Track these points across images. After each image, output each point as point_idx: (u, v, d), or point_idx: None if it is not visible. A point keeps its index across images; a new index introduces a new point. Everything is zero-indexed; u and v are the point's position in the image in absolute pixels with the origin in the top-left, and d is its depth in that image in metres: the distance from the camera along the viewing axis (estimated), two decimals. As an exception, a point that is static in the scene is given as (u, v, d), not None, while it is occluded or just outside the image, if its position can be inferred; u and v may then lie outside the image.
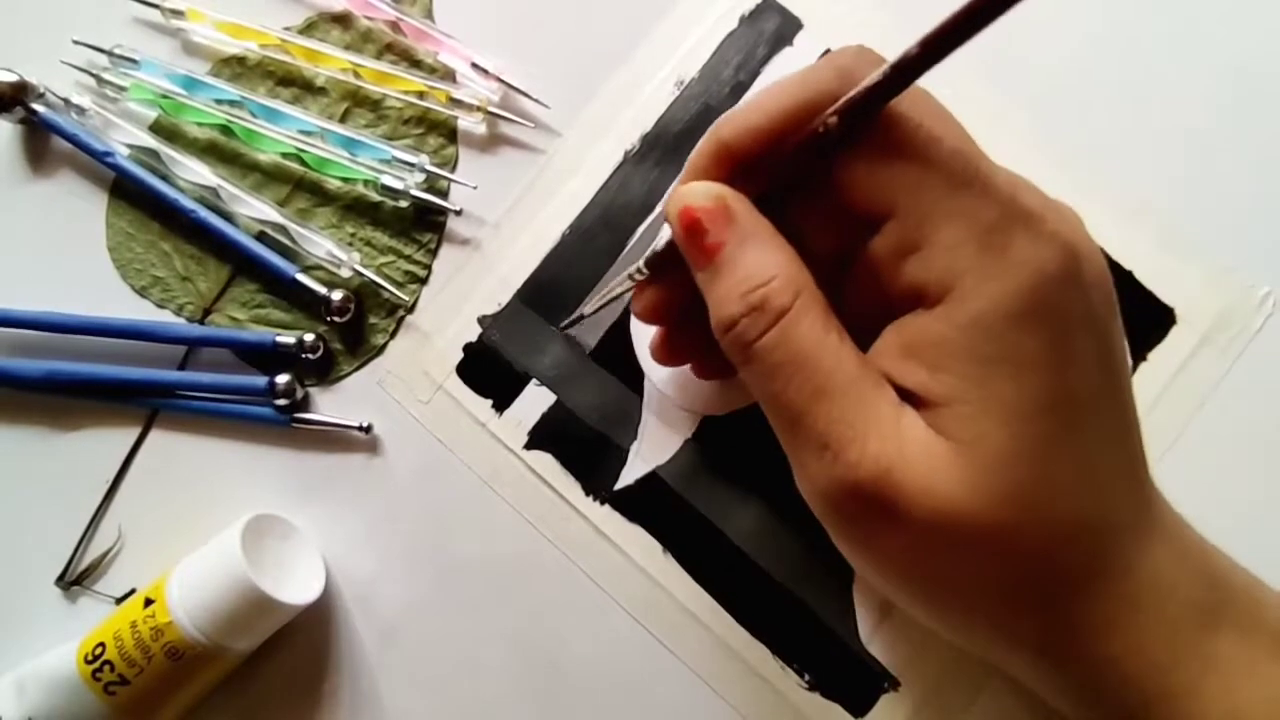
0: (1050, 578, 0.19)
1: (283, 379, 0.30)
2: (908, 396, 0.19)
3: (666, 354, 0.26)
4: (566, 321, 0.30)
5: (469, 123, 0.32)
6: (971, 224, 0.18)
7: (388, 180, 0.31)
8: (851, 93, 0.18)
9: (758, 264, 0.20)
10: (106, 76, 0.32)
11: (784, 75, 0.21)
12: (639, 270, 0.24)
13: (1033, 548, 0.19)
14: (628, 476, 0.30)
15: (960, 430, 0.18)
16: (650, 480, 0.30)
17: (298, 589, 0.29)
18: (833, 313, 0.20)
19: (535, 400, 0.31)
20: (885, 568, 0.21)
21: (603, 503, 0.30)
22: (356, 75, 0.32)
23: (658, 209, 0.31)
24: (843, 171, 0.20)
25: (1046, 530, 0.19)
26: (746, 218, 0.20)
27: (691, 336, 0.25)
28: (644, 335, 0.31)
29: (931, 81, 0.18)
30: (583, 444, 0.30)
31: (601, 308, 0.28)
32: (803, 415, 0.19)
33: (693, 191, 0.20)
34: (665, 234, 0.22)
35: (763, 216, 0.20)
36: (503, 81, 0.32)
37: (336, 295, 0.31)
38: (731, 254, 0.20)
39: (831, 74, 0.19)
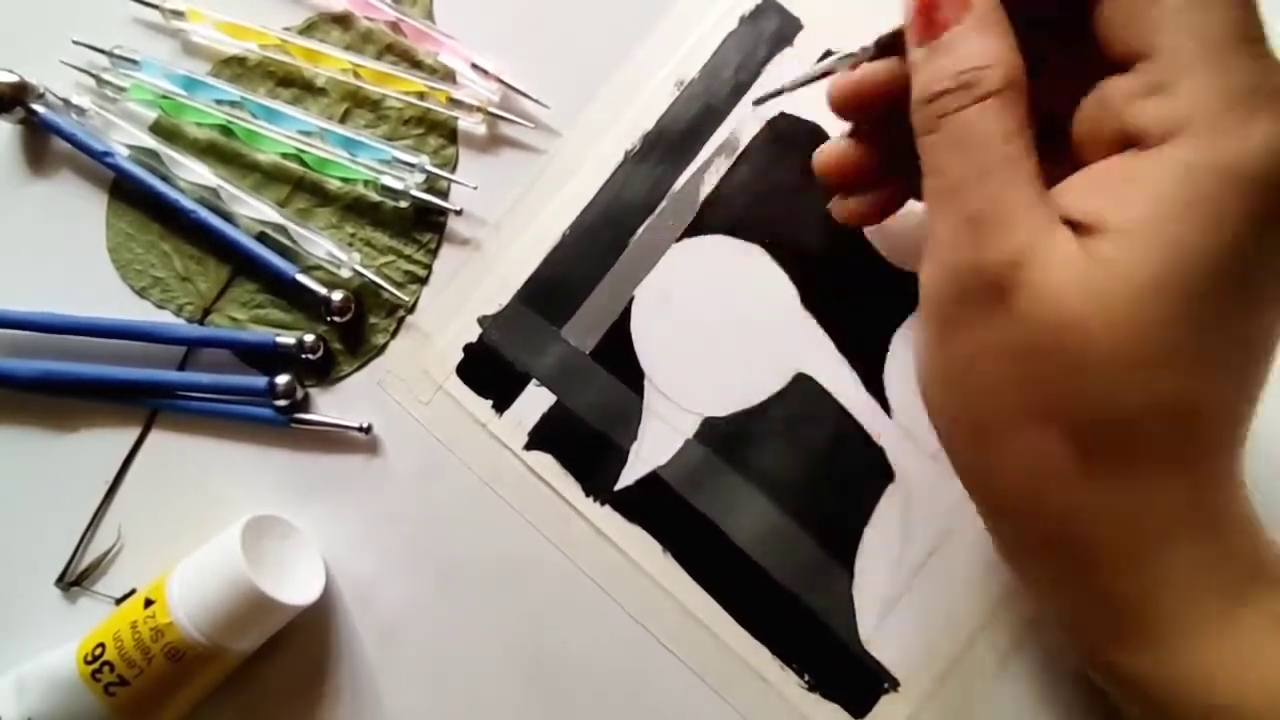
0: (1131, 446, 0.18)
1: (283, 379, 0.30)
2: (1078, 229, 0.19)
3: (836, 161, 0.26)
4: (764, 95, 0.30)
5: (469, 123, 0.32)
6: (1230, 79, 0.18)
7: (388, 181, 0.31)
8: None
9: (981, 49, 0.19)
10: (106, 77, 0.32)
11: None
12: (864, 49, 0.23)
13: (1134, 401, 0.18)
14: (628, 477, 0.30)
15: (1122, 255, 0.18)
16: (650, 481, 0.30)
17: (298, 589, 0.29)
18: (1030, 123, 0.19)
19: (535, 400, 0.31)
20: (961, 368, 0.20)
21: (603, 503, 0.30)
22: (356, 76, 0.32)
23: (660, 206, 0.31)
24: (1106, 5, 0.19)
25: (1153, 391, 0.18)
26: (983, 3, 0.20)
27: (870, 148, 0.25)
28: (644, 335, 0.31)
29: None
30: (583, 444, 0.30)
31: (806, 83, 0.27)
32: (965, 189, 0.19)
33: None
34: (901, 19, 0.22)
35: (1001, 8, 0.20)
36: (503, 82, 0.32)
37: (336, 295, 0.31)
38: (957, 35, 0.20)
39: None
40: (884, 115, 0.24)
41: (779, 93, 0.29)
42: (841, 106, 0.25)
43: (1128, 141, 0.19)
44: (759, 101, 0.30)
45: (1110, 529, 0.19)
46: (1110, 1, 0.19)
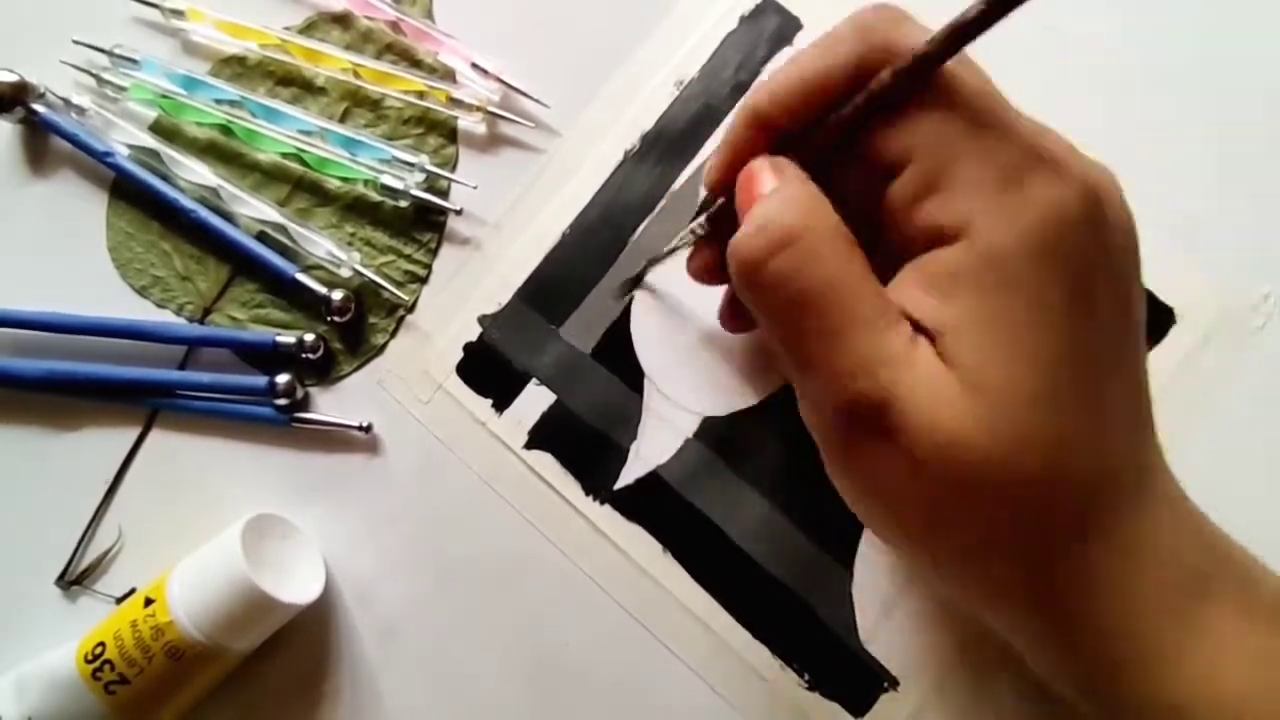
0: (1048, 525, 0.19)
1: (283, 379, 0.30)
2: (921, 331, 0.19)
3: (731, 316, 0.27)
4: (626, 284, 0.30)
5: (469, 123, 0.32)
6: (991, 164, 0.18)
7: (388, 180, 0.31)
8: (899, 64, 0.19)
9: (783, 200, 0.20)
10: (106, 76, 0.32)
11: (806, 43, 0.21)
12: (700, 225, 0.24)
13: (1033, 491, 0.19)
14: (628, 476, 0.30)
15: (969, 356, 0.18)
16: (650, 480, 0.30)
17: (298, 589, 0.29)
18: (858, 249, 0.20)
19: (535, 400, 0.31)
20: (878, 498, 0.20)
21: (603, 502, 0.30)
22: (356, 75, 0.32)
23: (660, 206, 0.31)
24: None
25: (1049, 476, 0.18)
26: (786, 170, 0.21)
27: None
28: (644, 335, 0.31)
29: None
30: (583, 444, 0.30)
31: (655, 262, 0.29)
32: (812, 344, 0.19)
33: (755, 163, 0.21)
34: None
35: (788, 163, 0.21)
36: (503, 81, 0.32)
37: (336, 295, 0.31)
38: (755, 205, 0.20)
39: (854, 36, 0.20)
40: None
41: (640, 280, 0.30)
42: (703, 282, 0.26)
43: (931, 239, 0.19)
44: (623, 294, 0.31)
45: (1070, 587, 0.19)
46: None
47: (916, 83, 0.19)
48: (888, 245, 0.21)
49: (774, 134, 0.21)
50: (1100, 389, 0.19)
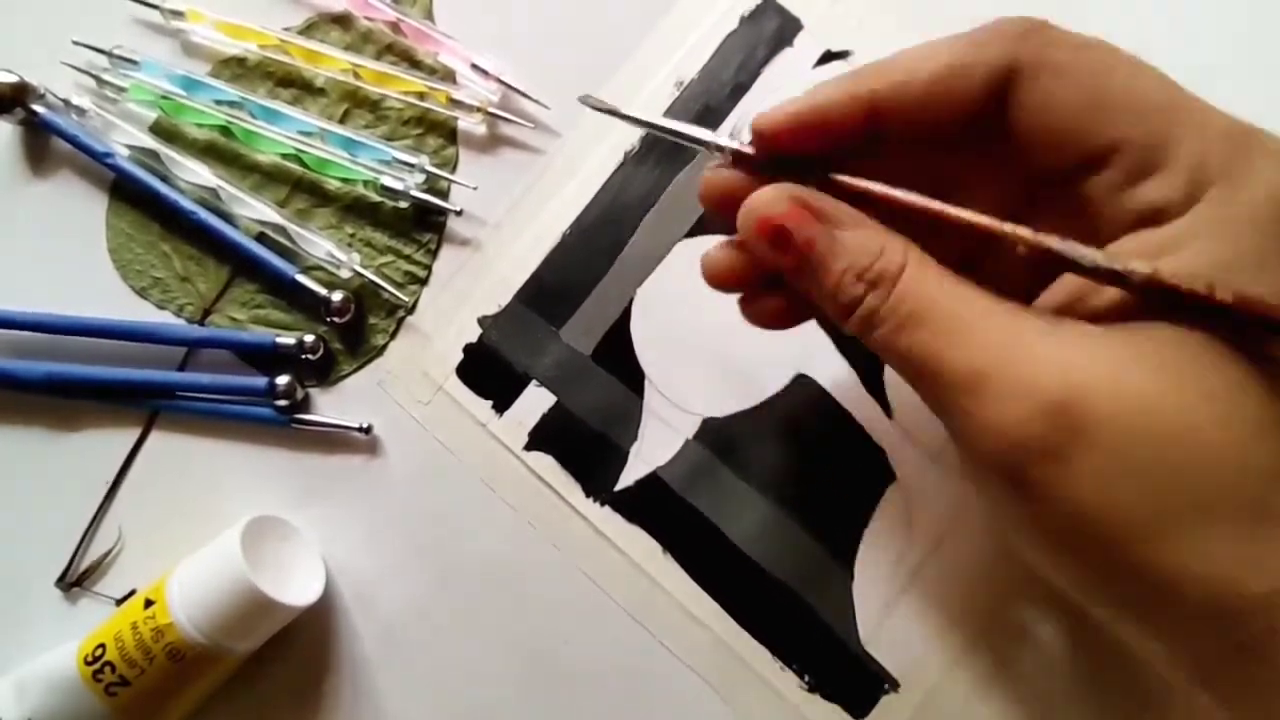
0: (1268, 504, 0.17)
1: (283, 380, 0.30)
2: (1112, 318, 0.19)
3: (723, 270, 0.24)
4: (606, 108, 0.25)
5: (469, 123, 0.32)
6: (1210, 135, 0.18)
7: (387, 181, 0.31)
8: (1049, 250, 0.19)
9: (861, 244, 0.20)
10: (106, 77, 0.32)
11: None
12: (727, 147, 0.22)
13: (1265, 463, 0.17)
14: (628, 477, 0.30)
15: (1176, 333, 0.18)
16: (650, 481, 0.30)
17: (298, 590, 0.29)
18: (944, 267, 0.20)
19: (535, 401, 0.31)
20: (1071, 512, 0.18)
21: (603, 504, 0.30)
22: (356, 76, 0.32)
23: (659, 208, 0.31)
24: (1034, 124, 0.20)
25: (1273, 444, 0.17)
26: (830, 208, 0.20)
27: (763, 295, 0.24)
28: (644, 336, 0.31)
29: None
30: (583, 445, 0.30)
31: (660, 130, 0.24)
32: (945, 359, 0.18)
33: (763, 201, 0.20)
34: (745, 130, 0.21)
35: (841, 201, 0.20)
36: (502, 82, 0.32)
37: (336, 296, 0.31)
38: (828, 246, 0.20)
39: (999, 43, 0.20)
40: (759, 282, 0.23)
41: (629, 118, 0.25)
42: (712, 205, 0.23)
43: (1143, 222, 0.19)
44: (591, 104, 0.26)
45: None
46: (1045, 112, 0.20)
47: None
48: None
49: (868, 127, 0.20)
50: None
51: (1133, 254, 0.19)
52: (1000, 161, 0.21)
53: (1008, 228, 0.19)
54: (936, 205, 0.20)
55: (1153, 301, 0.18)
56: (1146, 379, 0.17)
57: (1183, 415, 0.17)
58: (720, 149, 0.22)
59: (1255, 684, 0.18)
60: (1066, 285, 0.20)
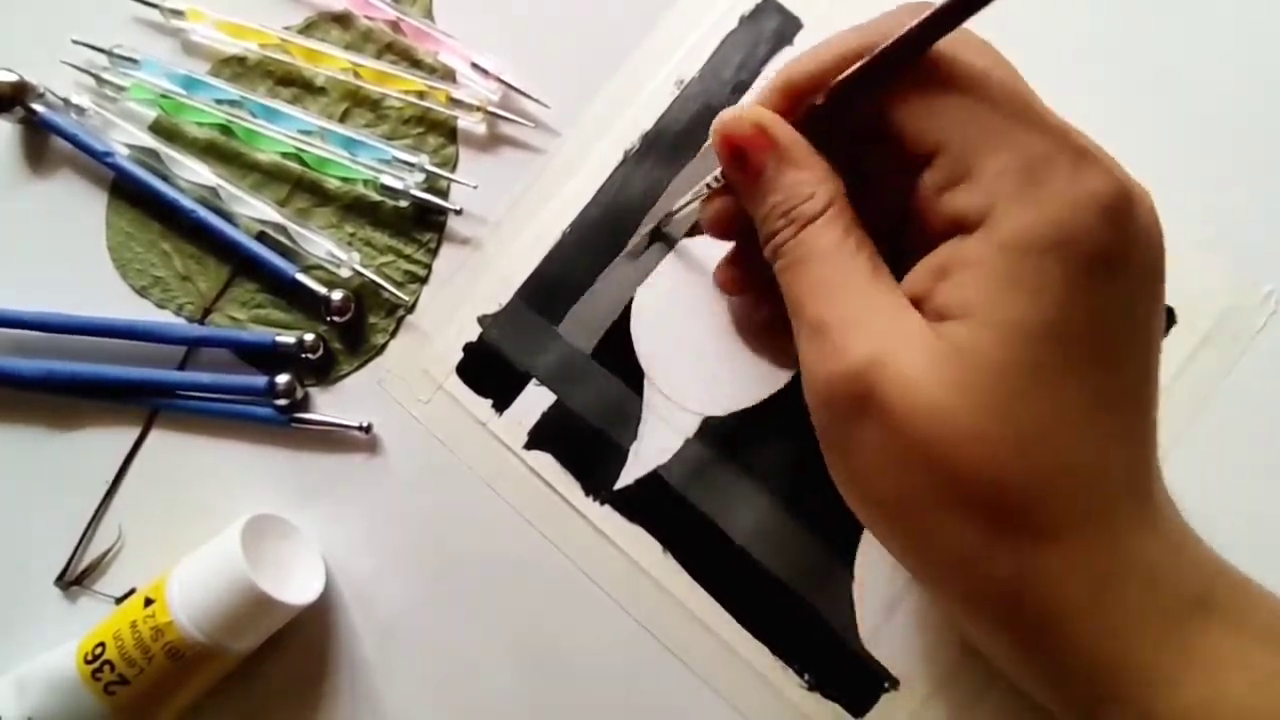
0: (1031, 515, 0.19)
1: (283, 379, 0.30)
2: (928, 315, 0.20)
3: (729, 275, 0.27)
4: (643, 239, 0.30)
5: (469, 122, 0.32)
6: (1018, 154, 0.18)
7: (387, 180, 0.31)
8: (900, 32, 0.19)
9: (795, 184, 0.21)
10: (106, 76, 0.32)
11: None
12: (715, 179, 0.24)
13: (1015, 475, 0.18)
14: (628, 476, 0.30)
15: (963, 339, 0.18)
16: (650, 480, 0.30)
17: (298, 589, 0.29)
18: (859, 227, 0.21)
19: (535, 400, 0.31)
20: (859, 470, 0.20)
21: (603, 503, 0.30)
22: (356, 75, 0.32)
23: (664, 196, 0.31)
24: (896, 111, 0.20)
25: (1031, 461, 0.18)
26: (785, 139, 0.21)
27: (752, 258, 0.26)
28: (644, 335, 0.31)
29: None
30: (583, 444, 0.30)
31: (671, 216, 0.29)
32: (806, 305, 0.21)
33: (734, 118, 0.22)
34: None
35: (801, 136, 0.21)
36: (502, 81, 0.32)
37: (336, 295, 0.31)
38: (771, 175, 0.21)
39: (897, 21, 0.20)
40: (746, 234, 0.25)
41: (658, 232, 0.30)
42: (718, 231, 0.26)
43: (954, 227, 0.20)
44: (633, 252, 0.31)
45: (1047, 595, 0.19)
46: (899, 106, 0.20)
47: (913, 52, 0.19)
48: (917, 242, 0.21)
49: (801, 106, 0.22)
50: (1095, 385, 0.18)
51: (921, 272, 0.20)
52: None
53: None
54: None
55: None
56: (945, 373, 0.18)
57: (959, 416, 0.18)
58: (709, 184, 0.25)
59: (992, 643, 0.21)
60: (923, 273, 0.21)
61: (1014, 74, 0.20)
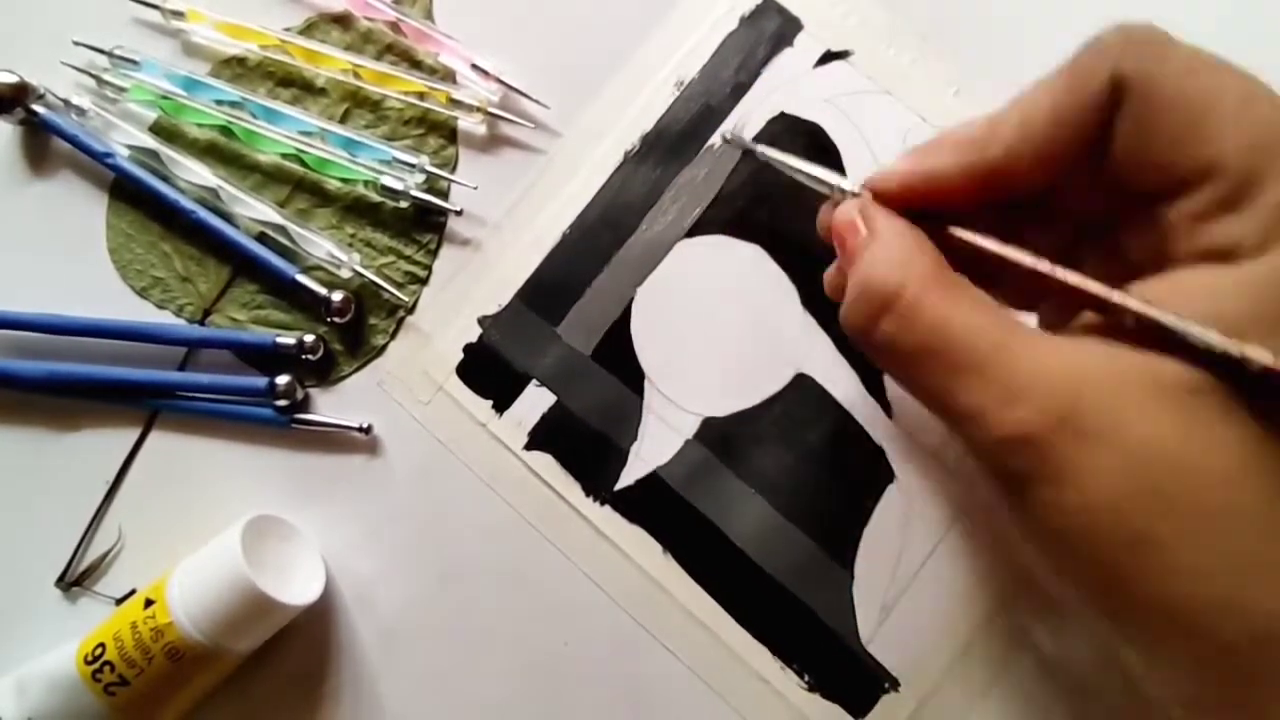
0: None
1: (283, 380, 0.30)
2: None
3: (838, 281, 0.25)
4: (739, 140, 0.29)
5: (469, 123, 0.32)
6: None
7: (388, 181, 0.31)
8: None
9: (872, 260, 0.20)
10: (107, 77, 0.32)
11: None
12: (842, 190, 0.23)
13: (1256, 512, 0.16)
14: (628, 477, 0.30)
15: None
16: (650, 481, 0.30)
17: (298, 589, 0.29)
18: (965, 286, 0.19)
19: (535, 401, 0.31)
20: (1085, 519, 0.17)
21: (603, 503, 0.30)
22: (356, 76, 0.32)
23: (663, 197, 0.31)
24: (1133, 144, 0.19)
25: None
26: (878, 223, 0.20)
27: None
28: (644, 335, 0.31)
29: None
30: (583, 445, 0.30)
31: (778, 163, 0.25)
32: (943, 392, 0.19)
33: (837, 212, 0.21)
34: None
35: (895, 217, 0.20)
36: (502, 82, 0.32)
37: (336, 296, 0.31)
38: (857, 256, 0.20)
39: (1102, 66, 0.19)
40: None
41: (760, 154, 0.27)
42: (827, 239, 0.24)
43: (1214, 254, 0.18)
44: (738, 143, 0.30)
45: None
46: (1143, 132, 0.19)
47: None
48: (1114, 255, 0.20)
49: (979, 196, 0.20)
50: None
51: (1191, 291, 0.18)
52: (1091, 179, 0.20)
53: (1116, 297, 0.18)
54: (1046, 267, 0.19)
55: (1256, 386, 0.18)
56: (1154, 400, 0.17)
57: (1190, 447, 0.17)
58: (844, 192, 0.23)
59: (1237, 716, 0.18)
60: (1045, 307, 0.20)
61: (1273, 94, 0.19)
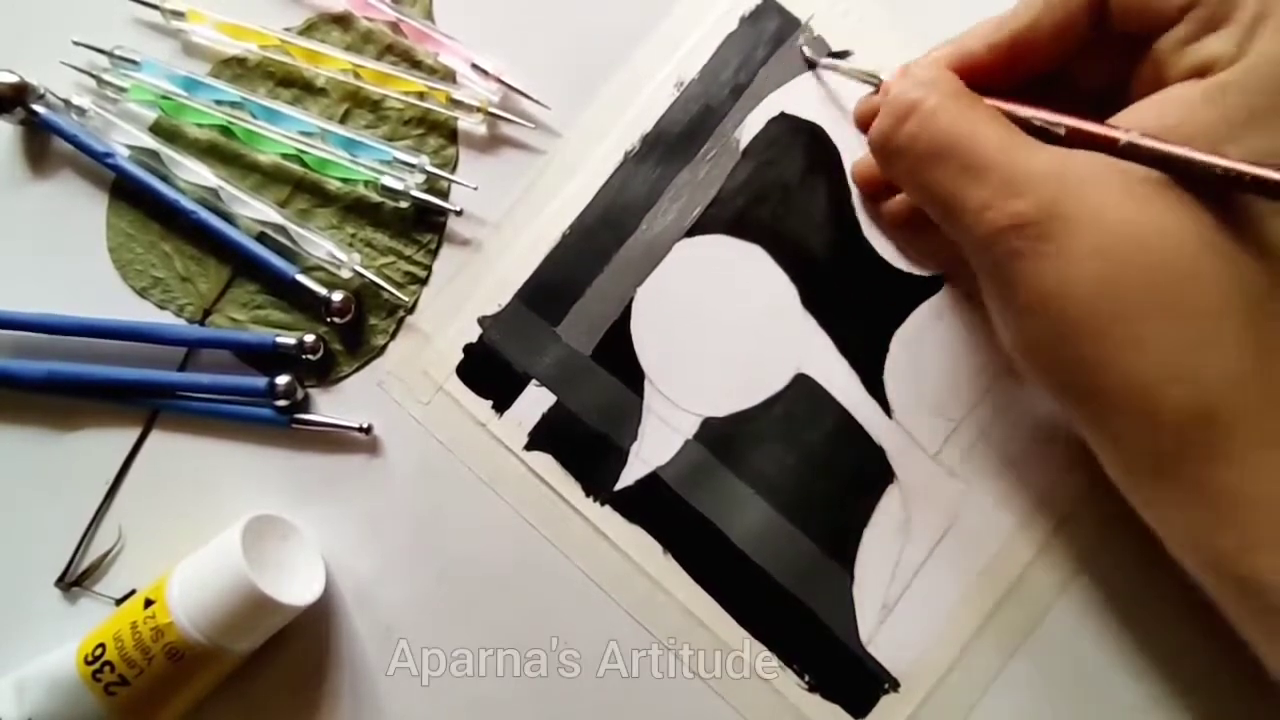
0: (1261, 313, 0.20)
1: (283, 380, 0.30)
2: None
3: (867, 171, 0.29)
4: (809, 54, 0.31)
5: (469, 123, 0.32)
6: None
7: (388, 181, 0.31)
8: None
9: (902, 82, 0.23)
10: (107, 77, 0.32)
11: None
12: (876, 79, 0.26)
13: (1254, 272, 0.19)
14: (628, 477, 0.30)
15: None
16: (650, 481, 0.30)
17: (298, 589, 0.29)
18: (982, 103, 0.22)
19: (535, 401, 0.31)
20: (1047, 313, 0.20)
21: (603, 503, 0.30)
22: (357, 76, 0.32)
23: (663, 197, 0.31)
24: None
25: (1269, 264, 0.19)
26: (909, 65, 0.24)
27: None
28: (644, 335, 0.31)
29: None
30: (583, 444, 0.30)
31: (829, 67, 0.30)
32: (952, 187, 0.21)
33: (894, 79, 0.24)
34: None
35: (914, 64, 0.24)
36: (503, 82, 0.32)
37: (337, 296, 0.31)
38: (892, 88, 0.24)
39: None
40: None
41: (836, 67, 0.30)
42: (862, 127, 0.28)
43: (1196, 71, 0.20)
44: (815, 65, 0.31)
45: (1245, 405, 0.19)
46: None
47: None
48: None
49: (1006, 70, 0.23)
50: None
51: (1166, 103, 0.21)
52: (1099, 48, 0.23)
53: (1199, 157, 0.20)
54: (1057, 118, 0.22)
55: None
56: (1128, 189, 0.20)
57: (1158, 227, 0.19)
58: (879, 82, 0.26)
59: (1165, 498, 0.21)
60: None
61: None
